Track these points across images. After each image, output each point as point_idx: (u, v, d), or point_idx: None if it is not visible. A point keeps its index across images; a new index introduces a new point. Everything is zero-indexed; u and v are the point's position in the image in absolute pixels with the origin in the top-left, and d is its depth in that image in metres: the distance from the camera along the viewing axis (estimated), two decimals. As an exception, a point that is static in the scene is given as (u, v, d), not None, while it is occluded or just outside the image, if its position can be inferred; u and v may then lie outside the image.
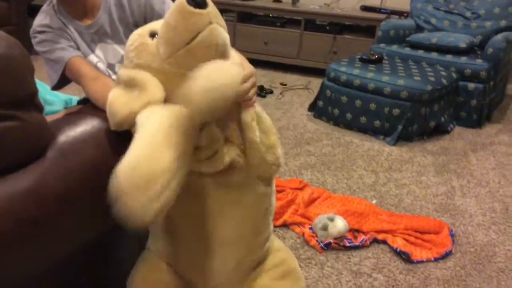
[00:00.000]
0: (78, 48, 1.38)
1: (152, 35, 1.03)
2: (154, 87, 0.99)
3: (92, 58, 1.43)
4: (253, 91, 1.09)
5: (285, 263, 1.27)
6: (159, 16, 1.39)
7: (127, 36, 1.40)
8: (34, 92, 0.90)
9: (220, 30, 0.98)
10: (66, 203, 0.91)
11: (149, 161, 0.85)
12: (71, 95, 1.67)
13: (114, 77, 1.45)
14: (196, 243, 1.12)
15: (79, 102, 1.56)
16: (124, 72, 1.04)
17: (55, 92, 1.66)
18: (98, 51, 1.44)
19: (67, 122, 1.04)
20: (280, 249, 1.29)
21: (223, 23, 1.01)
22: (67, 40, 1.36)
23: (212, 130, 1.04)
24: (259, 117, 1.11)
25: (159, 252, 1.19)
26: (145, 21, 1.42)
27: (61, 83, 1.37)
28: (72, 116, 1.09)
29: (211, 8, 0.96)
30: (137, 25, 1.42)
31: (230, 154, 1.06)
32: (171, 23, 0.96)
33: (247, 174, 1.10)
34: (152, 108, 0.96)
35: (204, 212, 1.08)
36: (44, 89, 1.65)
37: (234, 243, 1.14)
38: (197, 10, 0.93)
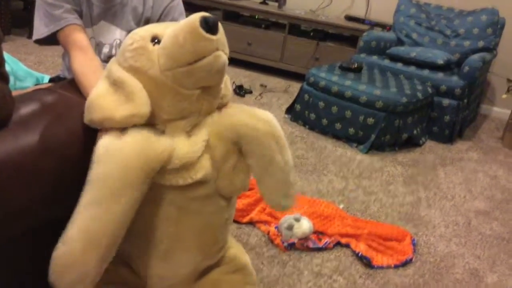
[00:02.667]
0: (81, 16, 1.35)
1: (154, 40, 1.01)
2: (142, 102, 0.99)
3: (89, 31, 1.40)
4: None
5: (236, 259, 1.28)
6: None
7: (133, 26, 1.40)
8: (1, 61, 0.89)
9: (224, 58, 1.00)
10: (27, 175, 0.90)
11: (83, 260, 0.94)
12: (43, 74, 1.65)
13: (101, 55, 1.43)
14: (155, 247, 1.12)
15: (50, 80, 1.54)
16: (116, 71, 1.03)
17: (27, 69, 1.64)
18: (96, 27, 1.42)
19: (33, 96, 1.03)
20: (232, 246, 1.30)
21: (227, 51, 1.03)
22: (76, 5, 1.32)
23: (192, 144, 1.06)
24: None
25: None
26: (158, 21, 1.42)
27: (47, 40, 1.33)
28: (39, 91, 1.07)
29: (221, 35, 0.98)
30: (148, 22, 1.42)
31: (203, 169, 1.06)
32: (180, 40, 0.96)
33: (214, 191, 1.11)
34: (118, 148, 0.97)
35: (166, 219, 1.08)
36: (16, 65, 1.63)
37: (193, 250, 1.15)
38: (208, 36, 0.95)
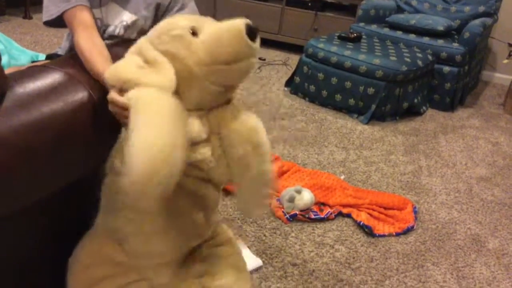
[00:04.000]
0: None
1: (192, 32, 1.04)
2: (169, 78, 1.01)
3: (97, 12, 1.39)
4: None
5: (221, 234, 1.32)
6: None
7: (145, 10, 1.39)
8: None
9: (255, 64, 1.07)
10: (21, 154, 0.90)
11: (168, 139, 0.90)
12: (38, 52, 1.63)
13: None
14: (149, 224, 1.13)
15: (47, 57, 1.53)
16: (151, 51, 1.05)
17: (22, 48, 1.62)
18: (104, 9, 1.41)
19: (28, 73, 1.02)
20: (218, 223, 1.34)
21: (257, 56, 1.08)
22: None
23: (198, 125, 1.08)
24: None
25: (108, 230, 1.17)
26: (166, 9, 1.44)
27: (55, 22, 1.32)
28: (34, 67, 1.07)
29: (258, 43, 1.04)
30: (158, 8, 1.42)
31: (208, 150, 1.09)
32: (223, 41, 1.01)
33: (207, 175, 1.13)
34: (158, 93, 0.98)
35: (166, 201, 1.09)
36: (10, 44, 1.61)
37: (187, 229, 1.17)
38: (251, 43, 1.00)
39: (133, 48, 1.10)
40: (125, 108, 0.99)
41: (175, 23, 1.07)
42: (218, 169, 1.12)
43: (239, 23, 1.00)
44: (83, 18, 1.26)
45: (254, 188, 1.16)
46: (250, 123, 1.13)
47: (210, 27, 1.05)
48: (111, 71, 1.04)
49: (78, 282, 1.14)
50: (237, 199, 1.21)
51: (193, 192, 1.13)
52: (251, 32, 1.00)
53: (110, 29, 1.42)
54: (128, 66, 1.04)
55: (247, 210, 1.20)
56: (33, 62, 1.60)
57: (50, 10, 1.30)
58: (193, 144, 1.07)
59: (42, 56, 1.64)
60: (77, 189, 1.17)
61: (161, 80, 1.00)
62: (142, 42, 1.09)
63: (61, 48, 1.53)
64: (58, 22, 1.32)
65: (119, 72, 1.02)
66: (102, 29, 1.41)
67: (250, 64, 1.04)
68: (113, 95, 1.02)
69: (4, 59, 1.53)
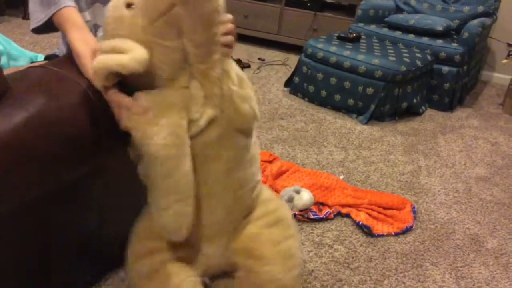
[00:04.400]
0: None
1: (128, 5, 1.03)
2: (139, 48, 1.00)
3: (86, 15, 1.39)
4: (230, 38, 1.11)
5: (277, 212, 1.29)
6: None
7: None
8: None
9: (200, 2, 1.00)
10: (19, 155, 0.90)
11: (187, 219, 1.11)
12: (37, 53, 1.64)
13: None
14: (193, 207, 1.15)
15: (46, 58, 1.53)
16: (106, 43, 1.04)
17: (21, 48, 1.62)
18: (91, 10, 1.41)
19: (26, 74, 1.02)
20: (271, 199, 1.32)
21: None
22: None
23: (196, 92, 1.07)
24: (235, 69, 1.14)
25: None
26: None
27: (44, 28, 1.32)
28: (32, 68, 1.07)
29: None
30: None
31: (206, 114, 1.08)
32: None
33: (225, 128, 1.11)
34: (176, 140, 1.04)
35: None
36: (9, 45, 1.61)
37: (220, 194, 1.17)
38: None
39: (97, 54, 1.09)
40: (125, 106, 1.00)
41: (109, 6, 1.07)
42: (227, 110, 1.10)
43: None
44: (74, 19, 1.25)
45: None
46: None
47: None
48: (93, 71, 1.03)
49: (133, 252, 1.22)
50: None
51: (216, 156, 1.13)
52: None
53: (100, 33, 1.42)
54: (101, 57, 1.02)
55: None
56: (32, 62, 1.60)
57: (37, 17, 1.29)
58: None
59: (41, 57, 1.64)
60: (77, 189, 1.18)
61: (135, 54, 0.99)
62: (100, 45, 1.09)
63: (59, 49, 1.53)
64: (46, 28, 1.31)
65: (97, 65, 1.01)
66: (92, 31, 1.41)
67: (184, 2, 0.98)
68: (112, 96, 1.02)
69: (3, 60, 1.53)
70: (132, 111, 1.01)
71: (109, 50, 1.02)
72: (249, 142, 1.19)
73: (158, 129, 1.01)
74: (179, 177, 1.04)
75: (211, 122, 1.08)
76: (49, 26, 1.30)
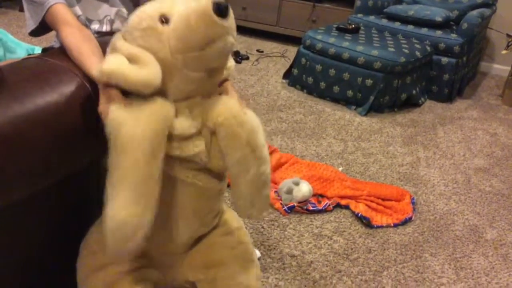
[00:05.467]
0: None
1: (162, 20, 1.00)
2: (156, 72, 0.98)
3: (77, 10, 1.38)
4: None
5: (228, 223, 1.30)
6: None
7: (121, 2, 1.37)
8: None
9: (233, 43, 1.01)
10: (15, 146, 0.89)
11: (135, 219, 0.97)
12: (34, 45, 1.62)
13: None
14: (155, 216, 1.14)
15: (43, 51, 1.52)
16: (125, 47, 1.01)
17: (18, 41, 1.61)
18: (81, 4, 1.40)
19: (22, 65, 1.01)
20: (225, 211, 1.32)
21: (235, 34, 1.03)
22: None
23: (189, 120, 1.06)
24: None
25: None
26: None
27: (40, 29, 1.31)
28: (28, 59, 1.06)
29: (231, 20, 0.98)
30: None
31: (201, 143, 1.07)
32: (192, 25, 0.95)
33: (205, 165, 1.12)
34: (135, 128, 0.97)
35: (164, 188, 1.09)
36: (6, 37, 1.60)
37: (189, 217, 1.16)
38: (220, 21, 0.94)
39: (109, 49, 1.06)
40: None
41: (143, 13, 1.02)
42: (213, 160, 1.11)
43: (204, 2, 0.94)
44: (63, 15, 1.24)
45: (250, 191, 1.13)
46: (249, 125, 1.08)
47: (179, 10, 0.99)
48: (98, 69, 1.01)
49: (86, 267, 1.17)
50: (233, 199, 1.16)
51: (192, 183, 1.12)
52: (219, 9, 0.94)
53: (95, 26, 1.41)
54: (113, 61, 1.00)
55: (242, 211, 1.17)
56: (29, 55, 1.59)
57: (31, 20, 1.30)
58: (185, 138, 1.05)
59: (38, 49, 1.63)
60: (76, 181, 1.17)
61: (146, 75, 0.97)
62: (116, 40, 1.06)
63: (56, 42, 1.52)
64: (43, 29, 1.31)
65: (105, 68, 0.98)
66: (87, 25, 1.40)
67: (225, 44, 0.98)
68: (102, 109, 1.01)
69: (0, 52, 1.52)
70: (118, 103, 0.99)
71: (125, 54, 1.00)
72: (223, 178, 1.20)
73: (137, 120, 0.97)
74: (144, 175, 0.96)
75: (199, 155, 1.08)
76: (45, 27, 1.30)
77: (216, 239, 1.24)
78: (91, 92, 1.06)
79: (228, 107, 1.08)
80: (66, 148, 1.02)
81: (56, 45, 1.49)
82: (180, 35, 0.97)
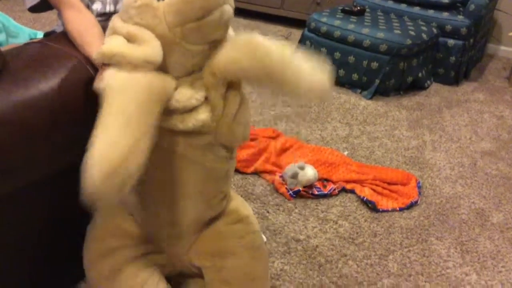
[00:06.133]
0: None
1: None
2: (156, 49, 0.97)
3: None
4: None
5: (237, 211, 1.29)
6: None
7: None
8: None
9: (231, 11, 1.00)
10: (20, 132, 0.89)
11: (121, 150, 0.85)
12: (36, 30, 1.61)
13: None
14: (159, 194, 1.13)
15: (45, 35, 1.50)
16: (123, 26, 1.00)
17: (20, 25, 1.60)
18: None
19: (24, 50, 1.00)
20: (233, 199, 1.31)
21: (233, 2, 1.02)
22: None
23: (192, 91, 1.03)
24: (242, 94, 1.11)
25: (120, 202, 1.19)
26: None
27: (40, 6, 1.29)
28: (30, 44, 1.05)
29: None
30: None
31: (204, 115, 1.05)
32: None
33: (214, 139, 1.10)
34: (128, 80, 0.94)
35: (170, 166, 1.09)
36: (8, 22, 1.59)
37: (195, 197, 1.15)
38: None
39: (108, 31, 1.05)
40: None
41: None
42: (220, 128, 1.08)
43: None
44: None
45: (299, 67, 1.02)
46: (244, 42, 1.03)
47: None
48: (98, 51, 0.99)
49: (92, 253, 1.17)
50: (300, 87, 1.01)
51: (199, 162, 1.11)
52: None
53: (98, 6, 1.39)
54: (113, 43, 0.98)
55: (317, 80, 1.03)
56: (31, 39, 1.58)
57: None
58: (187, 111, 1.03)
59: (40, 34, 1.62)
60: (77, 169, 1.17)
61: (146, 52, 0.96)
62: (114, 21, 1.05)
63: (58, 26, 1.50)
64: (42, 6, 1.29)
65: (105, 49, 0.97)
66: (87, 5, 1.38)
67: (223, 13, 0.97)
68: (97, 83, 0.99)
69: (2, 37, 1.51)
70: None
71: (124, 34, 0.99)
72: (229, 155, 1.18)
73: (133, 74, 0.95)
74: (135, 123, 0.89)
75: (202, 132, 1.06)
76: (45, 4, 1.28)
77: (225, 227, 1.24)
78: (93, 77, 1.05)
79: (225, 53, 1.04)
80: (70, 134, 1.01)
81: (59, 29, 1.48)
82: (177, 8, 0.96)
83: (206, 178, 1.14)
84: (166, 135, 1.05)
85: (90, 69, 1.05)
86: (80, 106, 1.02)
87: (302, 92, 1.01)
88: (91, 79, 1.03)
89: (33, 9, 1.31)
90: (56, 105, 0.98)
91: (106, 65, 0.99)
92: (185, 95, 1.02)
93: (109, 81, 0.93)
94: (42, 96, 0.95)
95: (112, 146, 0.85)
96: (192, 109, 1.03)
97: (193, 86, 1.04)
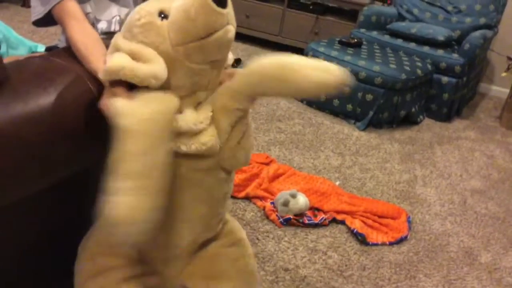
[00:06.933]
0: None
1: (161, 15, 1.00)
2: (161, 66, 0.98)
3: (87, 7, 1.36)
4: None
5: (232, 234, 1.28)
6: None
7: (131, 3, 1.36)
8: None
9: (233, 32, 1.01)
10: (18, 146, 0.88)
11: (146, 194, 0.89)
12: (36, 42, 1.61)
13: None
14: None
15: (47, 49, 1.50)
16: (126, 44, 1.01)
17: (20, 37, 1.59)
18: (92, 3, 1.38)
19: (25, 63, 0.99)
20: (229, 221, 1.30)
21: (235, 23, 1.03)
22: None
23: (198, 113, 1.04)
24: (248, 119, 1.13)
25: None
26: None
27: (45, 21, 1.29)
28: (32, 58, 1.04)
29: (230, 9, 0.98)
30: None
31: (208, 138, 1.05)
32: (191, 15, 0.95)
33: (216, 162, 1.10)
34: (145, 100, 0.95)
35: (170, 188, 1.07)
36: (9, 33, 1.58)
37: (192, 221, 1.14)
38: (219, 10, 0.95)
39: (110, 49, 1.05)
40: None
41: (142, 10, 1.02)
42: (223, 153, 1.08)
43: None
44: (73, 11, 1.23)
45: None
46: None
47: (176, 4, 0.99)
48: (105, 68, 0.99)
49: (84, 271, 1.13)
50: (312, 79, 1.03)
51: (199, 185, 1.10)
52: None
53: (103, 25, 1.39)
54: (119, 58, 0.98)
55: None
56: (32, 52, 1.57)
57: (37, 10, 1.27)
58: (192, 135, 1.03)
59: (41, 47, 1.61)
60: (75, 183, 1.15)
61: (153, 68, 0.97)
62: (117, 39, 1.05)
63: (60, 41, 1.50)
64: (47, 20, 1.29)
65: (113, 64, 0.97)
66: (94, 24, 1.39)
67: (226, 33, 0.98)
68: (103, 103, 0.99)
69: (3, 48, 1.50)
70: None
71: (127, 52, 0.99)
72: (229, 178, 1.18)
73: (143, 105, 0.95)
74: (151, 162, 0.92)
75: (206, 155, 1.06)
76: (49, 20, 1.28)
77: (220, 250, 1.22)
78: (95, 96, 1.04)
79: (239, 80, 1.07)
80: (66, 151, 1.00)
81: (61, 44, 1.48)
82: (180, 26, 0.97)
83: (205, 201, 1.13)
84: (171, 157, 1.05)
85: (91, 84, 1.04)
86: (79, 124, 1.01)
87: (318, 85, 1.01)
88: (92, 98, 1.03)
89: (38, 23, 1.31)
90: (54, 120, 0.97)
91: (111, 82, 0.98)
92: (191, 119, 1.02)
93: (120, 112, 0.92)
94: (41, 111, 0.94)
95: (139, 197, 0.88)
96: (197, 133, 1.03)
97: (198, 108, 1.05)
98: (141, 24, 1.00)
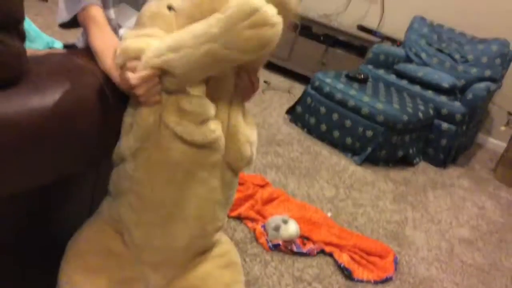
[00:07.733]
0: None
1: (170, 8, 1.04)
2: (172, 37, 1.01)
3: (110, 13, 1.38)
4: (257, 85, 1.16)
5: (228, 255, 1.27)
6: None
7: None
8: (21, 18, 0.87)
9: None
10: (31, 138, 0.88)
11: None
12: (54, 39, 1.62)
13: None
14: (155, 212, 1.11)
15: (65, 47, 1.51)
16: (135, 31, 1.04)
17: (39, 30, 1.60)
18: (116, 9, 1.40)
19: (47, 59, 1.00)
20: (225, 241, 1.30)
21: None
22: None
23: (205, 99, 1.05)
24: (248, 112, 1.14)
25: (111, 218, 1.16)
26: None
27: (70, 24, 1.31)
28: (54, 54, 1.05)
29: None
30: (170, 8, 1.41)
31: (217, 130, 1.06)
32: (196, 0, 1.00)
33: (221, 158, 1.10)
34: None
35: (172, 183, 1.07)
36: (29, 26, 1.59)
37: (191, 221, 1.13)
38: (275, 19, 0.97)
39: (121, 42, 1.08)
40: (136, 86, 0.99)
41: (150, 5, 1.08)
42: (228, 144, 1.09)
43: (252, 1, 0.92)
44: (97, 17, 1.25)
45: None
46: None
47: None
48: (120, 47, 1.02)
49: (72, 268, 1.11)
50: None
51: (204, 183, 1.10)
52: None
53: (123, 31, 1.41)
54: (131, 40, 1.02)
55: None
56: (49, 47, 1.58)
57: (62, 14, 1.30)
58: (200, 122, 1.04)
59: (58, 43, 1.62)
60: (72, 180, 1.15)
61: (168, 42, 0.99)
62: (126, 33, 1.08)
63: (79, 40, 1.51)
64: (72, 24, 1.31)
65: (128, 43, 1.00)
66: (116, 30, 1.41)
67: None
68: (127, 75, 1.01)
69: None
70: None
71: (135, 36, 1.03)
72: (234, 181, 1.18)
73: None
74: None
75: (215, 145, 1.07)
76: (75, 23, 1.30)
77: (214, 270, 1.21)
78: (109, 100, 1.05)
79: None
80: (74, 149, 1.00)
81: (79, 44, 1.49)
82: (186, 13, 1.01)
83: (207, 201, 1.12)
84: (173, 150, 1.05)
85: (108, 91, 1.06)
86: (90, 122, 1.02)
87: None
88: (107, 102, 1.04)
89: (63, 26, 1.33)
90: (67, 120, 0.97)
91: (124, 67, 1.00)
92: (197, 101, 1.03)
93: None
94: (57, 106, 0.94)
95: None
96: (202, 121, 1.04)
97: (204, 93, 1.06)
98: (150, 14, 1.06)
